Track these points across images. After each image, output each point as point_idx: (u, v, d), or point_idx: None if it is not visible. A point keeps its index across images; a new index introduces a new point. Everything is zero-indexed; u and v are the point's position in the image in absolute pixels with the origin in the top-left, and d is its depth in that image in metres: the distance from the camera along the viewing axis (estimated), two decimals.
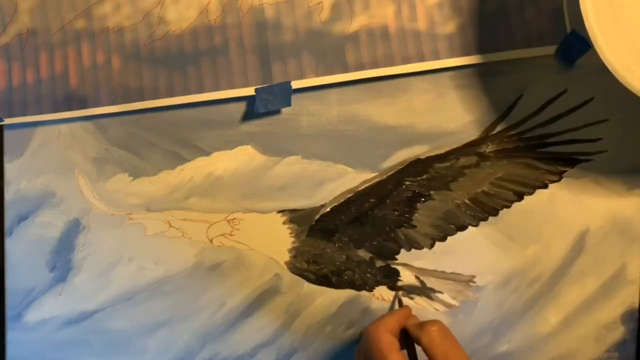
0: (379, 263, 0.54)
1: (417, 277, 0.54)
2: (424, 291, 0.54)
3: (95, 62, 0.52)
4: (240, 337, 0.55)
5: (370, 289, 0.54)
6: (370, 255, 0.54)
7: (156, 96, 0.52)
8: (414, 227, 0.54)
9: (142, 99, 0.52)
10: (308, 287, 0.54)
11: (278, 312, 0.54)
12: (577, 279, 0.54)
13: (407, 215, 0.54)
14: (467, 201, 0.54)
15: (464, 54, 0.52)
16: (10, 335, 0.54)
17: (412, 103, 0.54)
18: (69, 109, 0.53)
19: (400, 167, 0.53)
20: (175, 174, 0.54)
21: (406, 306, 0.53)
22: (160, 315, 0.55)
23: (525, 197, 0.54)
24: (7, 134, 0.54)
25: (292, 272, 0.54)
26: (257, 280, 0.54)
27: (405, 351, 0.47)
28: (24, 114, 0.53)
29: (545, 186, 0.54)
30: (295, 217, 0.54)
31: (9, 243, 0.54)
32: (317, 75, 0.52)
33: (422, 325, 0.47)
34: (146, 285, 0.54)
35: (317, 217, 0.54)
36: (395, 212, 0.54)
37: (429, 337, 0.46)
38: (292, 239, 0.54)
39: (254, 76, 0.52)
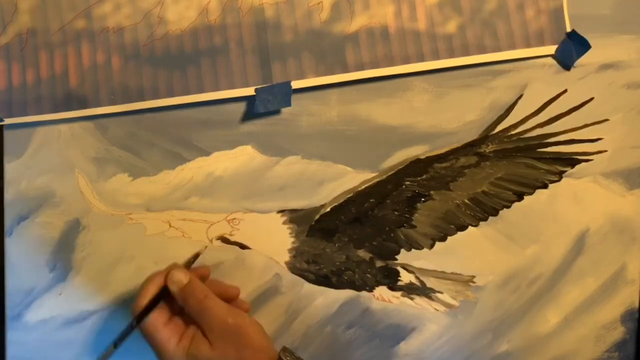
0: (379, 263, 0.54)
1: (417, 277, 0.54)
2: (424, 291, 0.54)
3: (95, 62, 0.52)
4: None
5: (370, 289, 0.54)
6: (370, 255, 0.54)
7: (156, 96, 0.52)
8: (414, 227, 0.54)
9: (142, 99, 0.52)
10: (308, 287, 0.54)
11: (278, 312, 0.54)
12: (577, 279, 0.54)
13: (407, 215, 0.54)
14: (467, 201, 0.54)
15: (464, 54, 0.52)
16: (10, 335, 0.54)
17: (412, 103, 0.54)
18: (69, 109, 0.53)
19: (400, 167, 0.53)
20: (175, 174, 0.54)
21: (174, 263, 0.52)
22: None
23: (525, 197, 0.54)
24: (7, 134, 0.54)
25: (292, 272, 0.54)
26: (257, 280, 0.54)
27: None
28: (24, 114, 0.53)
29: (545, 186, 0.54)
30: (295, 217, 0.54)
31: (9, 243, 0.54)
32: (317, 75, 0.52)
33: (184, 292, 0.48)
34: None
35: (317, 217, 0.54)
36: (395, 212, 0.54)
37: (190, 310, 0.47)
38: (292, 239, 0.54)
39: (254, 76, 0.52)
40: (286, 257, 0.54)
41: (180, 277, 0.48)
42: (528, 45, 0.52)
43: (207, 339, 0.45)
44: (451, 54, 0.52)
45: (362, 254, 0.54)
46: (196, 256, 0.52)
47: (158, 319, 0.47)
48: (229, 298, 0.51)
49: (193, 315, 0.47)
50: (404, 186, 0.54)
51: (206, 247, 0.53)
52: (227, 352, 0.45)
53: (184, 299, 0.47)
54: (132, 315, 0.48)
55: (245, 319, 0.47)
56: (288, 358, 0.46)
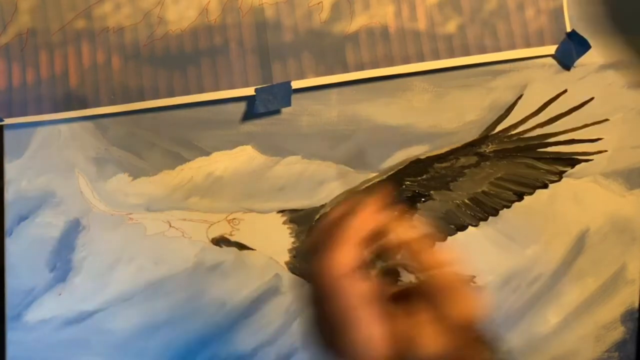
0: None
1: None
2: None
3: (95, 62, 0.52)
4: (240, 337, 0.55)
5: None
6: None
7: (156, 96, 0.52)
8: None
9: (142, 99, 0.52)
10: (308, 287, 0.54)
11: (278, 312, 0.54)
12: (577, 279, 0.54)
13: (407, 215, 0.54)
14: (467, 201, 0.54)
15: (464, 54, 0.52)
16: (10, 335, 0.54)
17: (412, 103, 0.54)
18: (69, 109, 0.53)
19: (400, 167, 0.53)
20: (175, 174, 0.54)
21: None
22: (160, 315, 0.55)
23: (525, 197, 0.54)
24: (7, 134, 0.54)
25: (292, 272, 0.54)
26: (257, 280, 0.54)
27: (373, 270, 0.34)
28: (24, 114, 0.53)
29: (545, 186, 0.54)
30: (295, 217, 0.54)
31: (9, 243, 0.54)
32: (317, 75, 0.52)
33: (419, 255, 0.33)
34: (146, 285, 0.54)
35: (317, 217, 0.54)
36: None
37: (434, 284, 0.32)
38: (292, 239, 0.54)
39: (254, 76, 0.52)
40: (286, 257, 0.54)
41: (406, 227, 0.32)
42: (528, 45, 0.52)
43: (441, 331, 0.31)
44: (451, 54, 0.52)
45: None
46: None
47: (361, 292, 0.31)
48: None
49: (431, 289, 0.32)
50: (404, 186, 0.54)
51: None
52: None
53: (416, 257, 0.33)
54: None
55: None
56: None
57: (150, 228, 0.54)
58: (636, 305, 0.55)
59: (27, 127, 0.54)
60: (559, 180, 0.54)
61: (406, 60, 0.52)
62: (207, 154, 0.54)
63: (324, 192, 0.54)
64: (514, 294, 0.54)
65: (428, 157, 0.53)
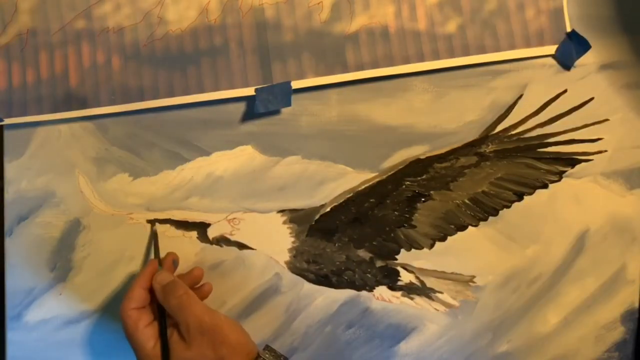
0: (379, 263, 0.54)
1: (417, 277, 0.54)
2: (424, 291, 0.54)
3: (95, 62, 0.52)
4: None
5: (370, 289, 0.54)
6: (370, 255, 0.54)
7: (156, 96, 0.52)
8: (414, 227, 0.54)
9: (142, 99, 0.52)
10: (308, 287, 0.54)
11: (278, 312, 0.54)
12: (577, 279, 0.54)
13: (407, 215, 0.54)
14: (467, 201, 0.54)
15: (464, 54, 0.52)
16: (10, 335, 0.54)
17: (412, 103, 0.54)
18: (69, 109, 0.53)
19: (400, 167, 0.53)
20: (176, 174, 0.54)
21: (153, 260, 0.52)
22: None
23: (525, 197, 0.54)
24: (7, 134, 0.54)
25: (292, 271, 0.54)
26: (257, 279, 0.54)
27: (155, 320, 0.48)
28: (24, 114, 0.53)
29: (545, 186, 0.54)
30: (295, 217, 0.54)
31: (9, 243, 0.54)
32: (317, 75, 0.52)
33: (165, 290, 0.47)
34: None
35: (317, 217, 0.54)
36: (395, 212, 0.54)
37: (169, 307, 0.47)
38: (292, 239, 0.54)
39: (254, 76, 0.52)
40: (286, 256, 0.54)
41: (164, 277, 0.48)
42: (528, 45, 0.52)
43: (184, 339, 0.46)
44: (451, 54, 0.52)
45: (362, 253, 0.54)
46: (155, 236, 0.53)
47: (140, 320, 0.47)
48: (195, 281, 0.52)
49: (172, 313, 0.47)
50: (404, 186, 0.54)
51: (154, 225, 0.53)
52: (204, 351, 0.45)
53: (165, 297, 0.47)
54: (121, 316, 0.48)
55: (221, 318, 0.47)
56: (267, 355, 0.47)
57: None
58: (636, 305, 0.55)
59: (27, 127, 0.54)
60: (559, 180, 0.54)
61: (406, 60, 0.52)
62: (207, 154, 0.54)
63: (324, 192, 0.54)
64: (514, 294, 0.55)
65: (428, 157, 0.53)
